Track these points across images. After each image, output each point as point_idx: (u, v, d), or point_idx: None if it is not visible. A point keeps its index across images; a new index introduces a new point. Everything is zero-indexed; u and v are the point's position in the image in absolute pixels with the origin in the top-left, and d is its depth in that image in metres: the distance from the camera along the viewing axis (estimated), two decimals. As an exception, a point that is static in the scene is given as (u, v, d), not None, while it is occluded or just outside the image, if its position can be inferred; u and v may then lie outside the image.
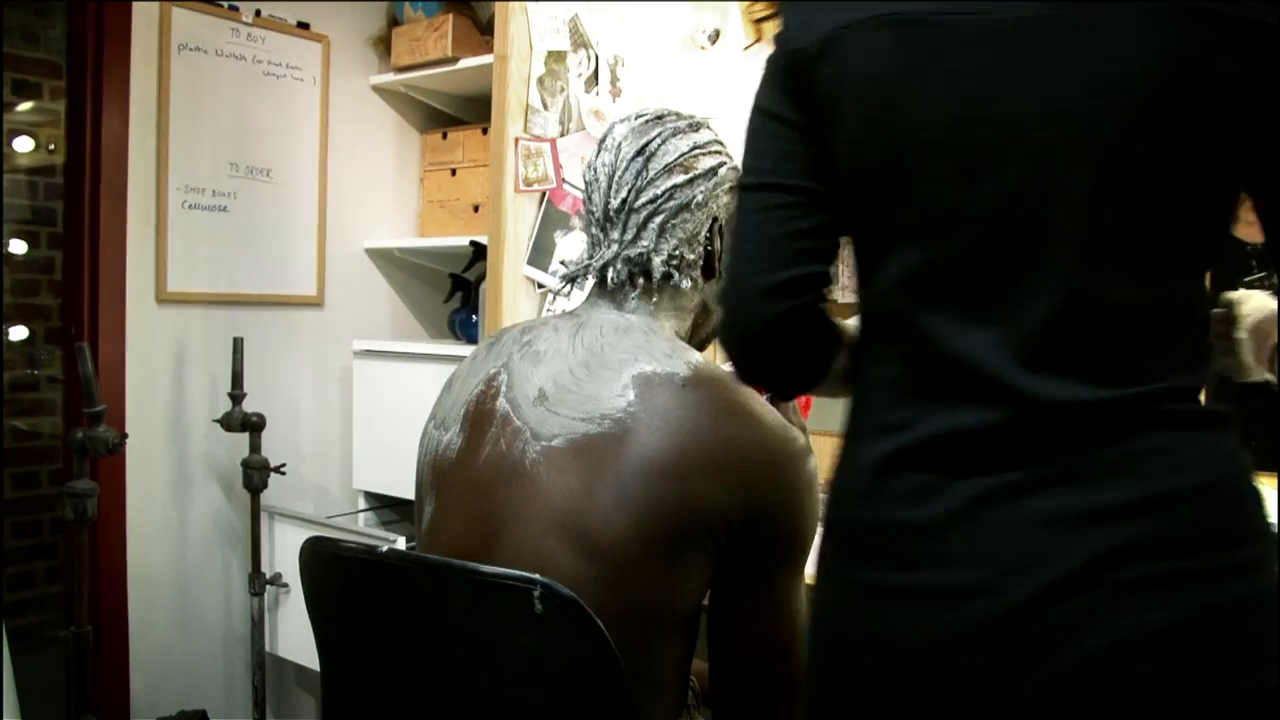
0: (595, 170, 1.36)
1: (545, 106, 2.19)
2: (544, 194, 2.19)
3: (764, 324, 1.03)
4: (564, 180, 2.22)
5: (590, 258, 1.36)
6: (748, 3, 2.48)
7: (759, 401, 1.27)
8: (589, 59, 2.29)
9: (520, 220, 2.16)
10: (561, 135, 2.22)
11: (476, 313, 2.87)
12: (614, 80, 2.34)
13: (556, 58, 2.21)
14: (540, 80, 2.18)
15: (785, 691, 1.28)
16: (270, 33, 2.88)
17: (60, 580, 3.98)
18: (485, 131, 2.88)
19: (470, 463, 1.26)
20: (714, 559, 1.20)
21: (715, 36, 2.60)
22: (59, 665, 2.29)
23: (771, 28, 1.24)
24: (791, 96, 1.01)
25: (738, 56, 2.56)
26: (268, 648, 2.84)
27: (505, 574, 1.08)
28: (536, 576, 1.05)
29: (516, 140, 2.14)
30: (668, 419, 1.17)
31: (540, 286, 2.20)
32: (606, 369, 1.23)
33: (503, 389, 1.28)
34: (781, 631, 1.26)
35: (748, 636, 1.25)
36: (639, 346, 1.25)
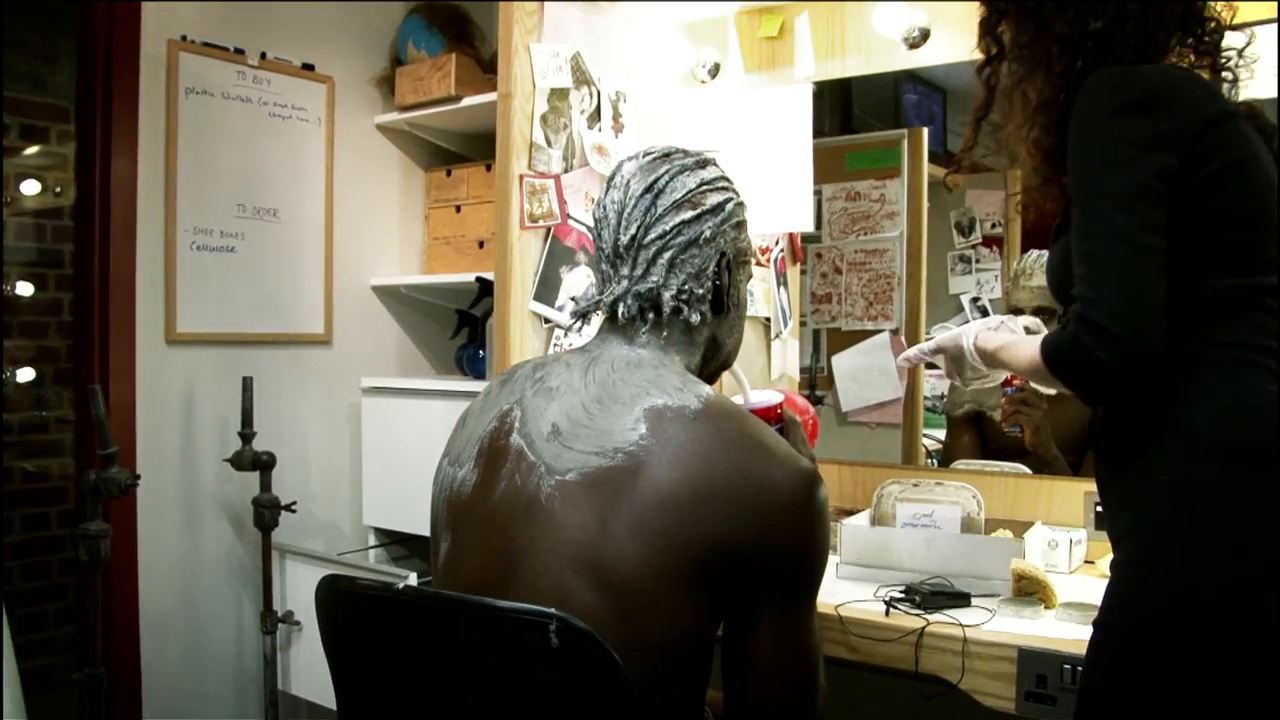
0: (604, 208, 1.38)
1: (549, 143, 2.21)
2: (549, 230, 2.22)
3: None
4: (569, 216, 2.24)
5: (600, 293, 1.38)
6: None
7: (769, 433, 1.29)
8: (591, 95, 2.31)
9: (526, 256, 2.18)
10: (565, 171, 2.25)
11: (484, 348, 2.89)
12: (616, 116, 2.37)
13: (559, 95, 2.24)
14: (543, 117, 2.21)
15: (809, 712, 1.29)
16: (276, 75, 2.92)
17: (70, 621, 3.98)
18: (489, 168, 2.91)
19: (485, 498, 1.28)
20: (728, 589, 1.21)
21: (715, 70, 2.63)
22: (72, 708, 2.29)
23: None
24: None
25: (738, 90, 2.59)
26: (280, 686, 2.84)
27: (521, 609, 1.09)
28: (553, 611, 1.06)
29: (521, 177, 2.17)
30: (680, 451, 1.19)
31: (547, 322, 2.22)
32: (618, 403, 1.24)
33: (516, 425, 1.29)
34: (798, 659, 1.27)
35: (764, 666, 1.25)
36: (650, 380, 1.27)
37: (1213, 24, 1.37)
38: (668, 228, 1.34)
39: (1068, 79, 1.35)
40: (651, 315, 1.34)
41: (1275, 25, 1.77)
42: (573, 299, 2.23)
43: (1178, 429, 1.23)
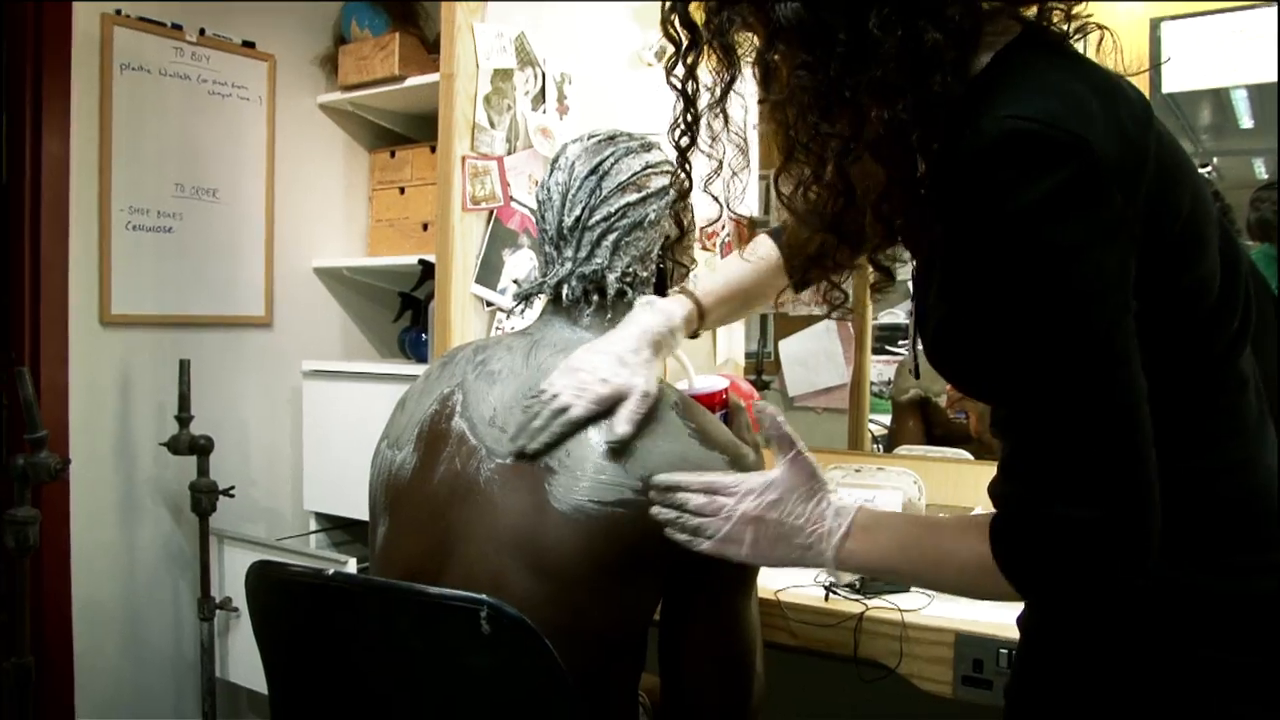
0: (548, 189, 1.36)
1: (492, 125, 2.19)
2: (492, 212, 2.19)
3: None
4: (511, 198, 2.21)
5: (544, 276, 1.37)
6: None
7: (709, 418, 1.28)
8: (536, 77, 2.29)
9: (468, 239, 2.16)
10: (509, 153, 2.22)
11: (426, 331, 2.86)
12: (561, 98, 2.35)
13: (503, 76, 2.21)
14: (487, 99, 2.18)
15: (743, 705, 1.29)
16: (215, 52, 2.86)
17: (4, 610, 3.90)
18: (433, 150, 2.88)
19: (424, 481, 1.26)
20: (665, 576, 1.20)
21: (662, 53, 2.61)
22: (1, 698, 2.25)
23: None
24: None
25: (684, 73, 2.57)
26: (218, 673, 2.80)
27: (452, 595, 1.08)
28: (483, 597, 1.05)
29: (464, 159, 2.14)
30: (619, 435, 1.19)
31: (489, 304, 2.19)
32: None
33: (458, 408, 1.28)
34: (737, 646, 1.28)
35: (703, 652, 1.26)
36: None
37: None
38: (613, 209, 1.32)
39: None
40: (596, 297, 1.33)
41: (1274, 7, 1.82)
42: (515, 282, 2.21)
43: None
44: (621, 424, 1.18)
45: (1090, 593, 0.93)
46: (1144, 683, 0.98)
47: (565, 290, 1.33)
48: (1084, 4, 0.96)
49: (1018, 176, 0.84)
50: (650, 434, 1.20)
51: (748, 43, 0.99)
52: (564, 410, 1.19)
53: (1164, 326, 0.92)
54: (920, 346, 1.07)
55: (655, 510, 1.14)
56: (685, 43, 1.03)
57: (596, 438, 1.19)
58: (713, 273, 1.44)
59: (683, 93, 1.05)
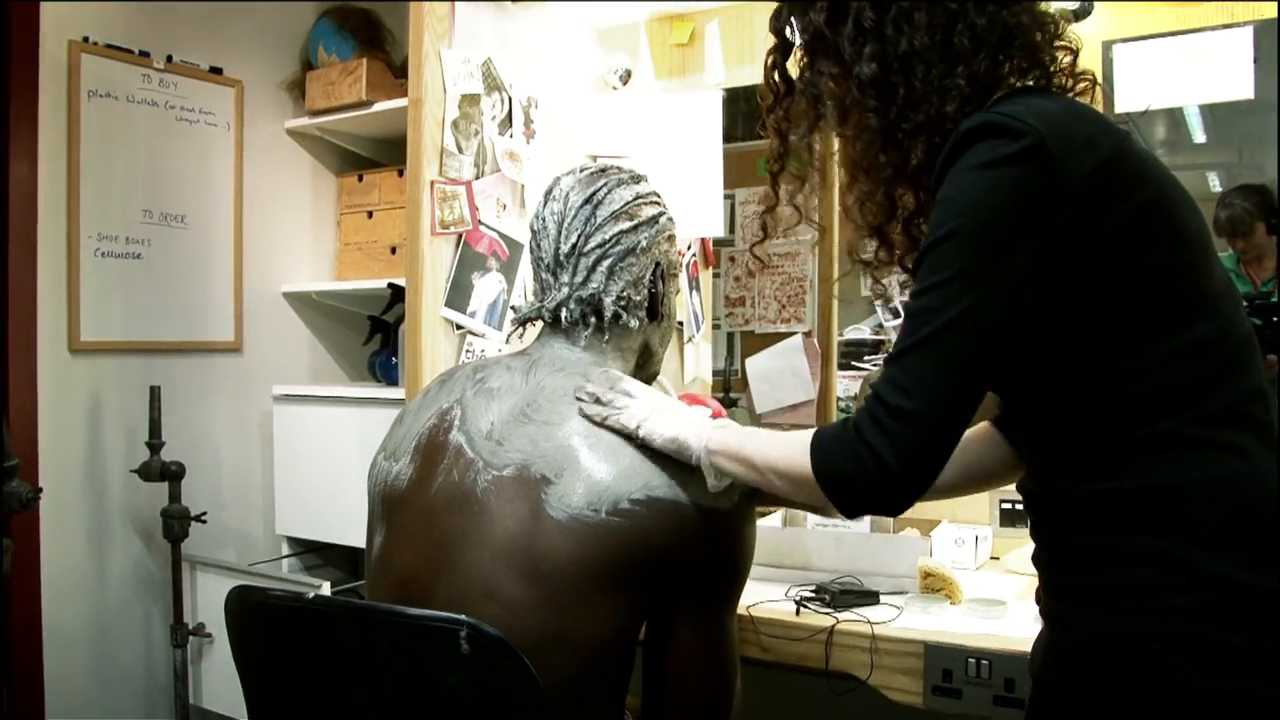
0: (543, 219, 1.43)
1: (460, 149, 2.21)
2: (460, 236, 2.21)
3: None
4: (480, 222, 2.23)
5: (541, 301, 1.42)
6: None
7: None
8: (503, 101, 2.31)
9: (438, 262, 2.18)
10: (477, 177, 2.24)
11: (396, 355, 2.87)
12: (528, 122, 2.37)
13: (470, 101, 2.23)
14: (455, 123, 2.20)
15: (725, 711, 1.34)
16: (182, 78, 2.87)
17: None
18: (401, 173, 2.90)
19: (422, 492, 1.31)
20: (655, 587, 1.25)
21: (626, 77, 2.65)
22: (-27, 727, 2.23)
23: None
24: None
25: (649, 96, 2.61)
26: (192, 700, 2.79)
27: (431, 615, 1.10)
28: (463, 617, 1.07)
29: (432, 183, 2.16)
30: (614, 451, 1.25)
31: (459, 328, 2.21)
32: (557, 404, 1.29)
33: (456, 422, 1.33)
34: (718, 658, 1.32)
35: (685, 663, 1.30)
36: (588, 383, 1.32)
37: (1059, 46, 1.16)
38: (607, 236, 1.39)
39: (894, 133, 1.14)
40: (593, 319, 1.40)
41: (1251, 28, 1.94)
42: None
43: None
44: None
45: (870, 474, 1.03)
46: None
47: (564, 313, 1.39)
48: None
49: (977, 146, 1.02)
50: (644, 449, 1.26)
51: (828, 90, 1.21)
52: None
53: (1163, 307, 1.05)
54: None
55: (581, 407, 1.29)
56: (782, 91, 1.27)
57: (592, 451, 1.24)
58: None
59: (778, 130, 1.28)
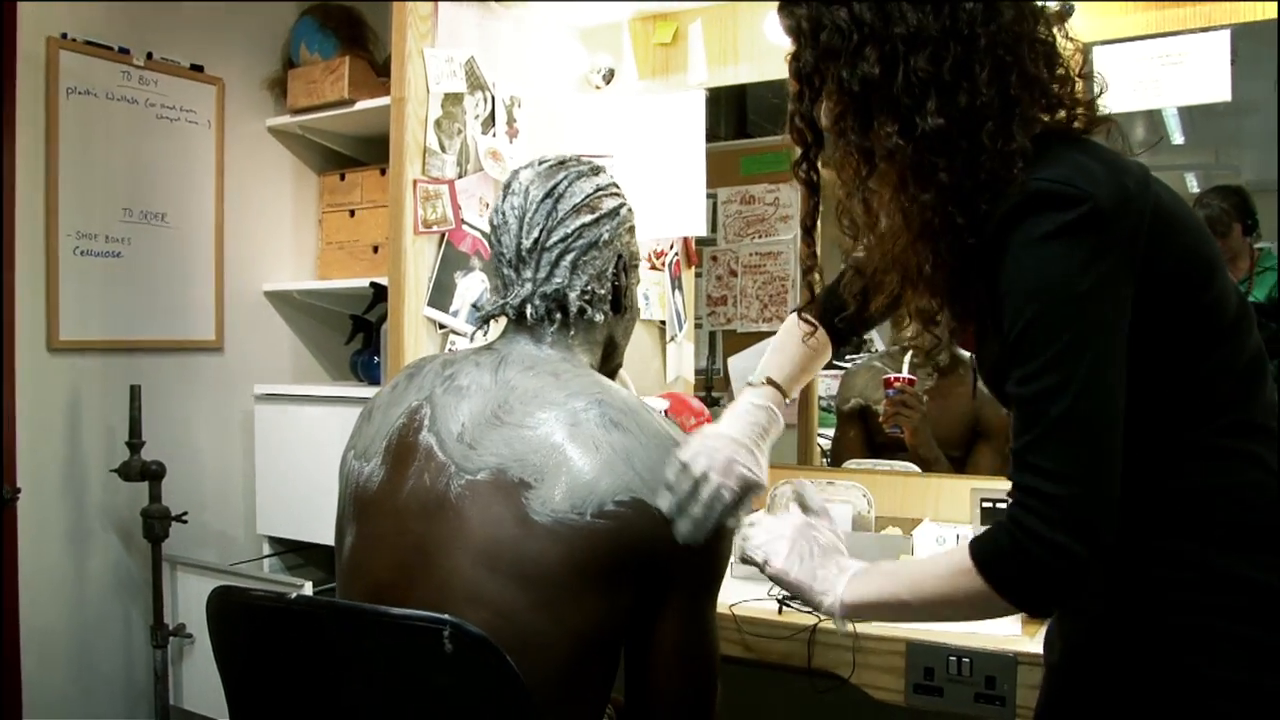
0: (503, 214, 1.40)
1: (443, 148, 2.21)
2: (443, 235, 2.21)
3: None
4: (463, 221, 2.23)
5: (505, 298, 1.40)
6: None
7: (678, 430, 1.33)
8: (485, 101, 2.31)
9: (420, 262, 2.17)
10: (459, 177, 2.24)
11: (379, 354, 2.86)
12: (510, 121, 2.37)
13: (453, 100, 2.23)
14: (437, 122, 2.20)
15: (708, 703, 1.34)
16: (163, 76, 2.86)
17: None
18: (383, 172, 2.89)
19: (393, 495, 1.29)
20: (642, 583, 1.25)
21: (610, 76, 2.65)
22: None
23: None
24: None
25: (632, 96, 2.61)
26: (172, 701, 2.78)
27: (415, 615, 1.10)
28: (446, 617, 1.07)
29: (415, 182, 2.16)
30: (595, 449, 1.23)
31: (441, 327, 2.21)
32: (529, 404, 1.27)
33: (426, 422, 1.31)
34: (701, 650, 1.33)
35: (672, 654, 1.29)
36: (560, 381, 1.30)
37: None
38: (569, 230, 1.37)
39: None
40: (559, 315, 1.37)
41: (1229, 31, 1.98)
42: (474, 306, 2.23)
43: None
44: (744, 515, 1.33)
45: (1069, 571, 1.02)
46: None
47: (529, 310, 1.37)
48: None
49: (1036, 218, 1.05)
50: (621, 450, 1.25)
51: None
52: (718, 497, 1.27)
53: (1199, 334, 1.11)
54: (980, 381, 1.28)
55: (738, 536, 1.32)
56: (810, 140, 1.23)
57: (570, 454, 1.22)
58: (780, 356, 1.53)
59: (808, 183, 1.28)
